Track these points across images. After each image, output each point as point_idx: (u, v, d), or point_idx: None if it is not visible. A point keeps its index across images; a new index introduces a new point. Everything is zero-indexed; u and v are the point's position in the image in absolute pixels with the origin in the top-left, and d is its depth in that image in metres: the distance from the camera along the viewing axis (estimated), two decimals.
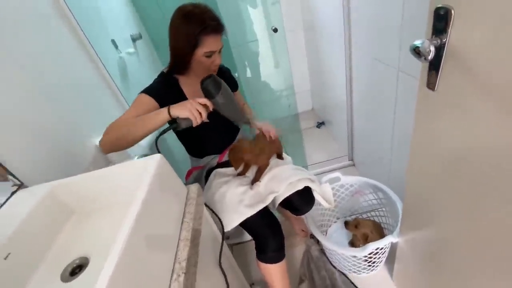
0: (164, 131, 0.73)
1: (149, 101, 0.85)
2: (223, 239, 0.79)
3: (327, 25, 1.60)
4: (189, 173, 1.05)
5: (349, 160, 1.75)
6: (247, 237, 1.38)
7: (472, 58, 0.44)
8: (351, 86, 1.46)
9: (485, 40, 0.40)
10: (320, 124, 2.26)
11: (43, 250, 0.58)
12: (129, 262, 0.43)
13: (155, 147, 0.73)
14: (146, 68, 1.71)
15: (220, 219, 0.78)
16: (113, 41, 1.39)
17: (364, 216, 1.32)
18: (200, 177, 1.04)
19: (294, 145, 1.92)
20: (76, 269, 0.55)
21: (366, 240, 1.08)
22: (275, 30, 1.76)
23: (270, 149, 1.02)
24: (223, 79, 1.02)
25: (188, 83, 0.95)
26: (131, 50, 1.50)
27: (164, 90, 0.89)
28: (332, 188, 1.23)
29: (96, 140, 1.07)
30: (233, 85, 1.10)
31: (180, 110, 0.73)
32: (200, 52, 0.84)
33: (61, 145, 0.90)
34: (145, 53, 1.73)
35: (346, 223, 1.15)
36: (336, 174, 1.22)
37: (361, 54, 1.25)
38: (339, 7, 1.25)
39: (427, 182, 0.68)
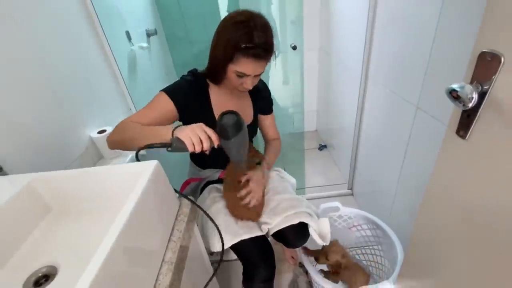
0: (151, 146, 0.61)
1: (168, 105, 0.77)
2: (214, 273, 0.69)
3: (345, 50, 1.58)
4: (186, 183, 0.98)
5: (348, 189, 1.70)
6: (232, 255, 1.31)
7: None
8: (361, 114, 1.43)
9: None
10: (322, 147, 2.22)
11: (9, 251, 0.51)
12: (107, 280, 0.37)
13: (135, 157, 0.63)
14: (156, 64, 1.67)
15: (221, 236, 0.67)
16: (127, 33, 1.35)
17: (358, 251, 1.26)
18: (196, 189, 0.98)
19: (295, 164, 1.87)
20: (42, 279, 0.48)
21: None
22: (294, 48, 1.74)
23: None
24: (257, 98, 0.95)
25: (216, 92, 0.87)
26: (144, 44, 1.46)
27: (190, 93, 0.81)
28: (330, 218, 1.17)
29: (91, 132, 1.01)
30: (268, 108, 1.01)
31: (181, 132, 0.61)
32: (232, 68, 0.75)
33: (53, 132, 0.84)
34: (158, 49, 1.70)
35: (317, 258, 1.03)
36: (336, 203, 1.16)
37: (377, 84, 1.22)
38: (361, 36, 1.23)
39: (439, 233, 0.63)
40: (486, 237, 0.49)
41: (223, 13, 1.74)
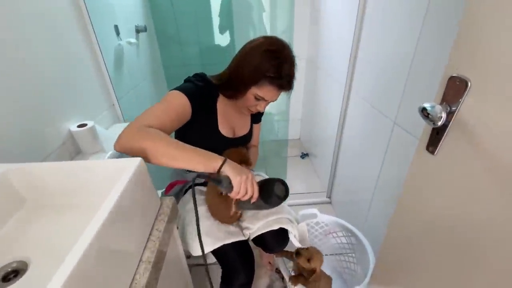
0: (201, 175, 0.63)
1: (186, 104, 0.74)
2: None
3: (331, 63, 1.64)
4: (171, 186, 0.97)
5: (326, 197, 1.75)
6: (210, 259, 1.30)
7: (482, 133, 0.44)
8: (342, 126, 1.48)
9: (499, 118, 0.41)
10: (304, 155, 2.27)
11: None
12: (81, 279, 0.36)
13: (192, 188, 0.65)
14: (144, 61, 1.65)
15: (201, 243, 0.67)
16: (116, 27, 1.33)
17: (332, 258, 1.30)
18: (180, 191, 0.97)
19: (277, 170, 1.90)
20: (11, 274, 0.46)
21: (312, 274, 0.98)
22: None
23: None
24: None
25: (224, 104, 0.88)
26: (133, 40, 1.44)
27: (201, 97, 0.80)
28: (307, 224, 1.20)
29: (71, 125, 0.98)
30: (259, 118, 1.06)
31: (234, 174, 0.63)
32: (254, 91, 0.79)
33: (30, 123, 0.81)
34: (146, 46, 1.68)
35: (298, 253, 0.98)
36: (314, 210, 1.19)
37: (359, 98, 1.28)
38: (347, 50, 1.29)
39: (407, 241, 0.67)
40: (450, 244, 0.53)
41: (215, 17, 1.76)
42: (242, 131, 0.96)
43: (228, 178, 0.64)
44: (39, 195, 0.57)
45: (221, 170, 0.63)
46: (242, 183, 0.63)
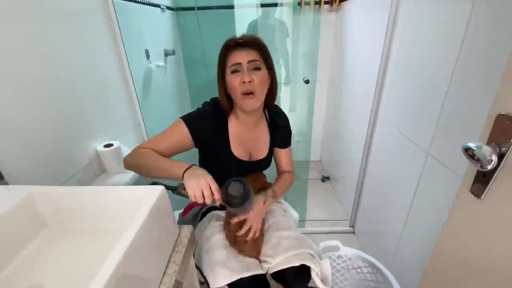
0: (167, 187, 0.65)
1: (184, 133, 0.79)
2: None
3: (355, 85, 1.61)
4: (189, 208, 0.95)
5: (349, 226, 1.65)
6: None
7: None
8: (368, 150, 1.41)
9: None
10: (325, 178, 2.19)
11: None
12: None
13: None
14: (170, 83, 1.71)
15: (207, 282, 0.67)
16: (146, 51, 1.40)
17: None
18: (197, 213, 0.95)
19: (298, 194, 1.83)
20: None
21: None
22: (307, 82, 1.77)
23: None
24: (276, 133, 0.93)
25: (235, 124, 0.87)
26: (161, 63, 1.51)
27: (209, 122, 0.82)
28: (329, 257, 1.13)
29: (97, 145, 1.01)
30: (286, 142, 0.98)
31: (188, 180, 0.65)
32: (228, 72, 0.77)
33: (58, 141, 0.84)
34: (173, 69, 1.74)
35: None
36: (336, 242, 1.12)
37: (386, 123, 1.22)
38: (374, 74, 1.25)
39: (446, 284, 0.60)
40: None
41: None
42: (259, 155, 0.92)
43: (182, 184, 0.66)
44: (61, 219, 0.58)
45: (184, 176, 0.66)
46: (195, 186, 0.64)
